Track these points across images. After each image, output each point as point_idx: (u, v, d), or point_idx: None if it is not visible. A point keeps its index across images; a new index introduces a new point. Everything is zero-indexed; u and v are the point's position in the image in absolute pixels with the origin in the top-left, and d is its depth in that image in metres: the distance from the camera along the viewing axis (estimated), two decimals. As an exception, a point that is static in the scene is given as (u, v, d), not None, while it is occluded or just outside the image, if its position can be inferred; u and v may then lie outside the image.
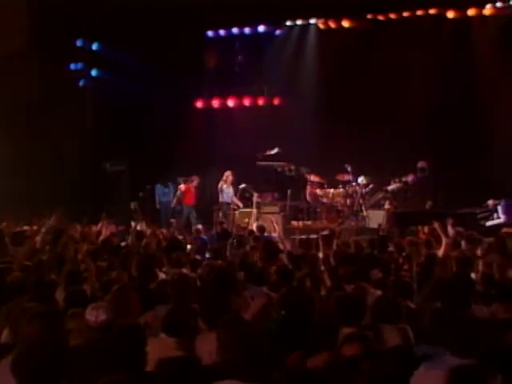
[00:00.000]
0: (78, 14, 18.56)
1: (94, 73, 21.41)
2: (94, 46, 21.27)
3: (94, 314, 5.72)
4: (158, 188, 20.33)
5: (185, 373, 4.21)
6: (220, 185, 18.46)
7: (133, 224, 15.64)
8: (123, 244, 12.20)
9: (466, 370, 4.06)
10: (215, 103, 21.85)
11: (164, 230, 14.96)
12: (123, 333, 4.86)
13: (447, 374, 4.05)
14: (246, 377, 4.18)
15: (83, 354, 4.90)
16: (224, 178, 18.49)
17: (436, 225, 11.05)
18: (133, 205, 17.17)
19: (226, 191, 18.35)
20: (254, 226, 15.98)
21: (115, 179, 20.52)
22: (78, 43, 20.91)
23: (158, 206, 20.27)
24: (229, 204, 18.41)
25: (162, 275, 8.59)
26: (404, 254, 10.10)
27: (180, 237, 13.35)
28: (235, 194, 18.60)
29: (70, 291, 6.87)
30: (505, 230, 13.06)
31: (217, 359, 4.75)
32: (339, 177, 18.53)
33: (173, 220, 14.91)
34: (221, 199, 18.47)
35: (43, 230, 11.53)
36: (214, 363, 4.83)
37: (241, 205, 18.39)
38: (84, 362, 4.72)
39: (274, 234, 14.29)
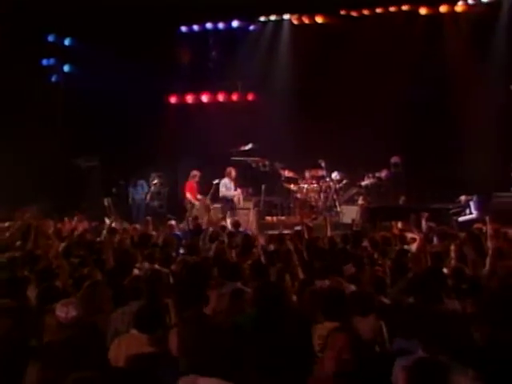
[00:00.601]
0: (50, 10, 18.36)
1: (66, 68, 21.22)
2: (67, 42, 21.08)
3: (64, 311, 5.67)
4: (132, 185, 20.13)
5: (154, 369, 4.20)
6: (223, 180, 18.16)
7: (106, 220, 15.55)
8: (97, 240, 12.13)
9: (424, 364, 4.08)
10: (189, 99, 21.78)
11: (137, 226, 14.87)
12: (92, 329, 4.83)
13: (406, 368, 4.07)
14: (207, 371, 4.15)
15: (53, 350, 4.86)
16: (227, 172, 18.20)
17: (411, 220, 11.13)
18: (106, 201, 17.06)
19: (229, 186, 18.12)
20: (228, 222, 15.99)
21: (88, 175, 20.37)
22: (50, 39, 20.71)
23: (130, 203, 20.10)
24: (231, 200, 18.10)
25: (135, 271, 8.57)
26: (378, 249, 10.15)
27: (154, 233, 13.28)
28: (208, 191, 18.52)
29: (42, 288, 6.82)
30: (477, 225, 13.14)
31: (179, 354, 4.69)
32: (313, 172, 18.58)
33: (148, 218, 14.78)
34: (222, 194, 18.09)
35: (15, 226, 11.45)
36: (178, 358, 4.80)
37: (241, 202, 18.26)
38: (54, 358, 4.68)
39: (248, 229, 14.30)
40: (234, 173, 18.07)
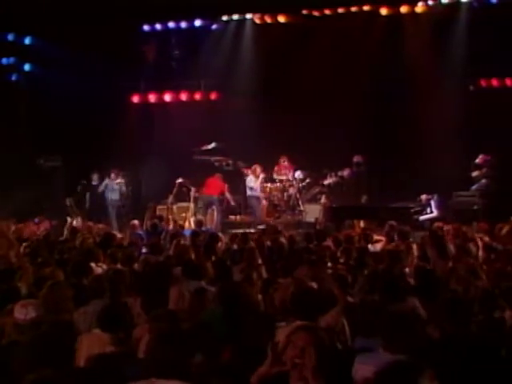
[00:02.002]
0: (9, 8, 18.13)
1: (26, 67, 20.99)
2: (27, 40, 20.84)
3: (23, 312, 5.63)
4: (107, 185, 19.14)
5: (117, 368, 4.18)
6: (249, 178, 18.09)
7: (68, 220, 15.46)
8: (60, 240, 12.05)
9: (395, 367, 4.11)
10: (151, 98, 21.65)
11: (100, 225, 14.81)
12: (53, 329, 4.79)
13: (376, 371, 4.10)
14: (169, 372, 4.15)
15: (12, 351, 4.81)
16: (252, 170, 18.13)
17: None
18: (68, 201, 16.95)
19: (253, 184, 17.98)
20: (192, 221, 16.00)
21: (50, 175, 20.15)
22: (10, 37, 20.44)
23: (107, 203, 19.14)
24: (257, 198, 18.07)
25: (98, 270, 8.54)
26: (341, 247, 10.24)
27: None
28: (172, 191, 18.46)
29: (2, 289, 6.76)
30: (437, 224, 13.33)
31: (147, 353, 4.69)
32: (275, 169, 18.66)
33: (135, 222, 14.55)
34: (249, 193, 18.04)
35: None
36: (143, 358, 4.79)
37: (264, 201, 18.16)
38: (13, 359, 4.63)
39: (214, 228, 14.32)
40: (258, 170, 18.03)
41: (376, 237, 11.66)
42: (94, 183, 19.24)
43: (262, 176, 18.13)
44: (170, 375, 4.10)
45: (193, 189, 18.31)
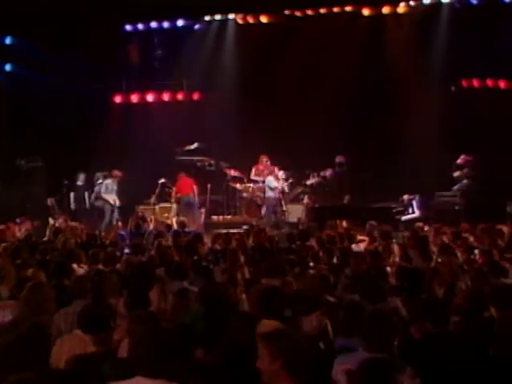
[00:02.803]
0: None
1: (7, 67, 20.84)
2: (8, 40, 20.68)
3: (0, 314, 5.58)
4: (105, 184, 18.71)
5: (98, 369, 4.16)
6: (269, 179, 17.92)
7: (50, 220, 15.38)
8: (42, 240, 11.99)
9: (373, 364, 4.12)
10: (134, 98, 21.59)
11: (83, 226, 14.73)
12: (29, 332, 4.75)
13: (356, 368, 4.11)
14: (153, 372, 4.14)
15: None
16: (270, 170, 17.98)
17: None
18: (49, 201, 16.85)
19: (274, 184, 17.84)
20: (174, 221, 15.97)
21: (31, 175, 20.00)
22: (-11, 38, 20.31)
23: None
24: (278, 199, 17.86)
25: (80, 271, 8.50)
26: (323, 247, 10.25)
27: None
28: (155, 191, 18.41)
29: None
30: (419, 224, 13.39)
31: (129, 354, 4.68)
32: (258, 167, 18.66)
33: (119, 222, 14.49)
34: (269, 194, 17.82)
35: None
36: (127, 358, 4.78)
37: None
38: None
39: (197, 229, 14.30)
40: (276, 170, 17.93)
41: (359, 237, 11.70)
42: (80, 183, 19.08)
43: (281, 176, 18.11)
44: (153, 375, 4.10)
45: (175, 189, 18.31)
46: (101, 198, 18.42)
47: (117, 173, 18.50)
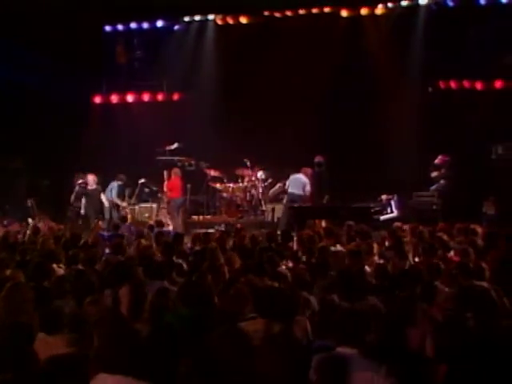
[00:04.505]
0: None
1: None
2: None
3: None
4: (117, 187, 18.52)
5: (72, 370, 4.20)
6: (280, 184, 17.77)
7: (30, 221, 15.35)
8: (22, 241, 11.96)
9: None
10: (114, 99, 21.55)
11: (62, 226, 14.71)
12: (9, 332, 4.77)
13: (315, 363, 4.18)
14: (115, 369, 4.19)
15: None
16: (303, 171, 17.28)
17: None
18: (29, 202, 16.81)
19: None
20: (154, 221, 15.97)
21: (11, 176, 19.89)
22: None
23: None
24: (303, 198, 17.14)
25: (60, 271, 8.51)
26: (303, 247, 10.33)
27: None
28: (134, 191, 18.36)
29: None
30: (397, 224, 13.48)
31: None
32: (239, 171, 18.72)
33: (100, 222, 14.37)
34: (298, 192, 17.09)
35: None
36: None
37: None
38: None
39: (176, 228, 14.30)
40: (309, 172, 17.36)
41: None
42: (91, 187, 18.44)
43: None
44: (115, 371, 4.14)
45: (155, 189, 18.33)
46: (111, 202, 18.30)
47: (121, 176, 18.49)
